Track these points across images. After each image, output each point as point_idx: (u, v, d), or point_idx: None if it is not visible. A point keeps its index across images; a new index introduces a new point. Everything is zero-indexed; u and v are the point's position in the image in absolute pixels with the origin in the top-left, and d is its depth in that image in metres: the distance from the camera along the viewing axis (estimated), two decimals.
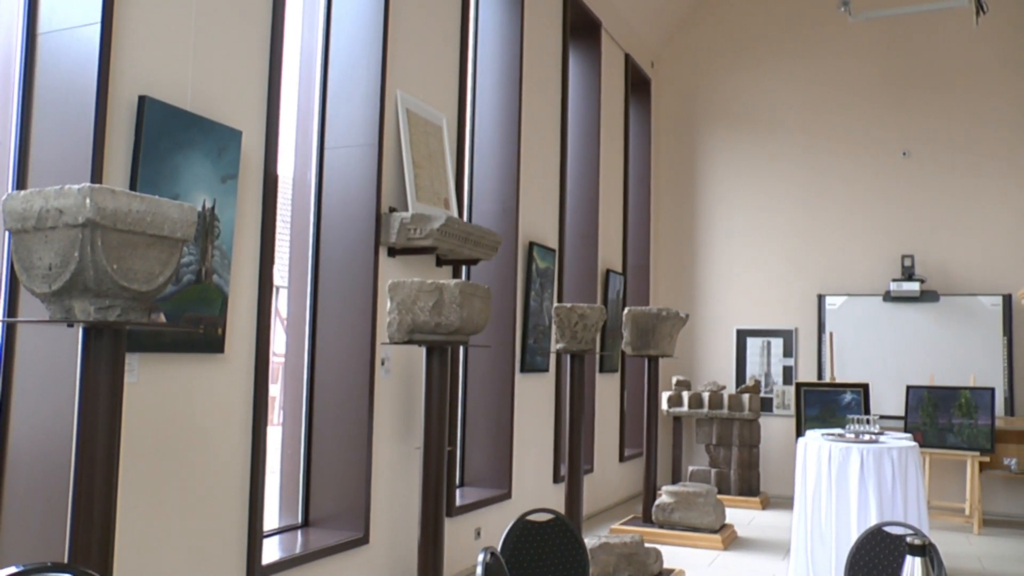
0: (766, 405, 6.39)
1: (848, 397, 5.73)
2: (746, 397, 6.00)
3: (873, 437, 3.71)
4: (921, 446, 5.42)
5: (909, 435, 3.88)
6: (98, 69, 2.12)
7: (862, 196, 6.37)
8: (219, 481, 2.51)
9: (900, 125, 6.32)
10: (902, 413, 5.88)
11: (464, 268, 4.14)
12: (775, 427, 6.40)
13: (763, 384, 6.42)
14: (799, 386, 5.86)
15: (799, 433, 5.71)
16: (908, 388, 5.56)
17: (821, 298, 6.33)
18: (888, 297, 6.05)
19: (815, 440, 3.60)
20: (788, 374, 6.38)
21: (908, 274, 6.01)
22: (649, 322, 4.68)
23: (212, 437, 2.49)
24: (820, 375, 6.27)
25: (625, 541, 3.67)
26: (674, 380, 6.36)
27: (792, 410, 6.30)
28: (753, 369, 6.49)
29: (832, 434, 3.73)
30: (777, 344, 6.44)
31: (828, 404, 5.77)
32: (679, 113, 6.98)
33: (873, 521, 3.31)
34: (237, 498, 2.57)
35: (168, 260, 1.60)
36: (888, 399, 6.02)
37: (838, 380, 6.07)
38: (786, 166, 6.57)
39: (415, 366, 3.53)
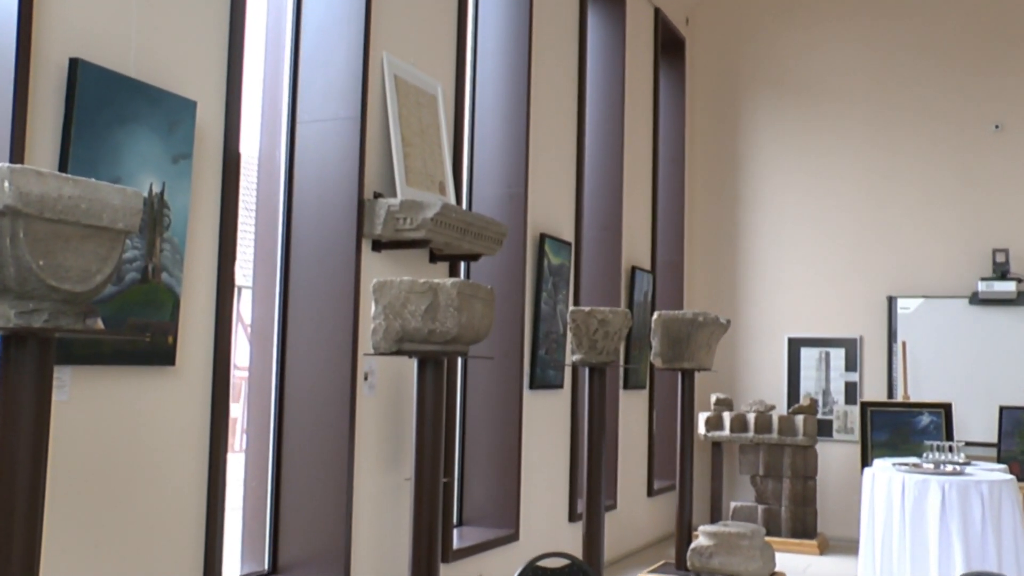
0: (824, 429, 6.36)
1: (925, 419, 5.68)
2: (800, 419, 5.96)
3: (957, 468, 3.66)
4: (1019, 479, 5.36)
5: (1003, 466, 3.84)
6: (17, 26, 2.10)
7: (943, 179, 6.32)
8: (168, 520, 2.50)
9: (990, 93, 6.27)
10: (993, 439, 5.84)
11: (463, 265, 4.14)
12: (835, 455, 6.36)
13: (821, 404, 6.40)
14: (865, 406, 5.82)
15: (865, 462, 5.69)
16: (1001, 409, 5.51)
17: (892, 300, 6.29)
18: (975, 299, 5.99)
19: (885, 471, 3.56)
20: (851, 391, 6.35)
21: (1001, 272, 5.95)
22: (683, 329, 4.66)
23: (160, 467, 2.48)
24: (891, 393, 6.24)
25: None
26: (713, 398, 6.33)
27: (856, 435, 6.27)
28: (809, 386, 6.46)
29: (906, 464, 3.70)
30: (838, 355, 6.40)
31: (901, 428, 5.73)
32: (718, 80, 6.95)
33: (958, 571, 3.27)
34: (190, 540, 2.56)
35: (107, 255, 1.58)
36: (975, 422, 5.97)
37: (913, 399, 6.03)
38: (848, 143, 6.53)
39: (405, 381, 3.52)
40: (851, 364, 6.38)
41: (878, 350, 6.34)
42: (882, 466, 4.15)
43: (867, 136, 6.50)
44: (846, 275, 6.46)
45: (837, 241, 6.51)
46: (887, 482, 3.44)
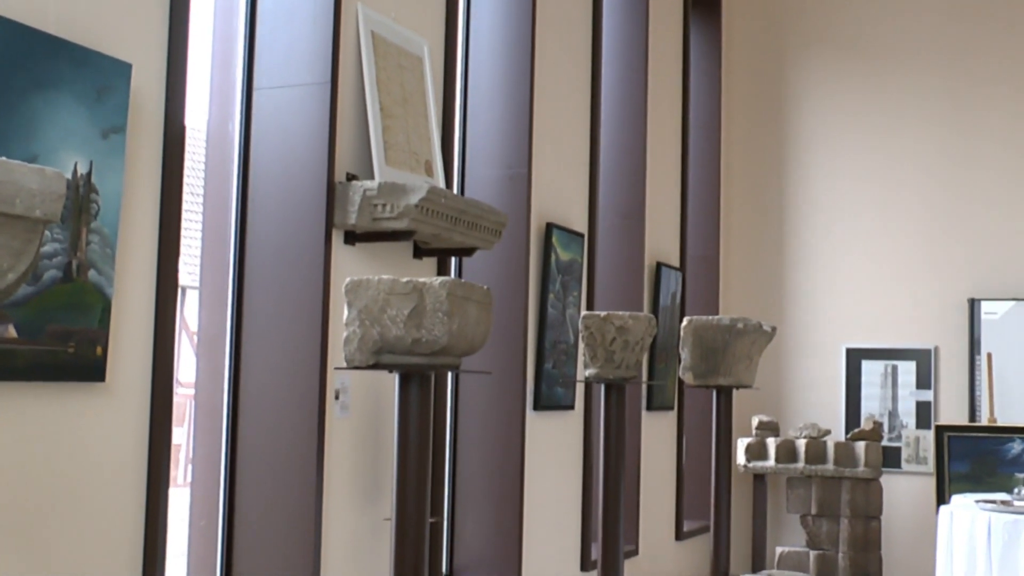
0: (891, 458, 6.35)
1: (1016, 447, 5.67)
2: (861, 446, 5.96)
3: None
4: None
5: None
6: None
7: None
8: (96, 566, 2.48)
9: None
10: None
11: (454, 261, 4.14)
12: (905, 490, 6.36)
13: (886, 428, 6.38)
14: (941, 431, 5.81)
15: (941, 499, 5.67)
16: None
17: (974, 304, 6.28)
18: None
19: (967, 510, 3.56)
20: (924, 413, 6.35)
21: None
22: (718, 338, 4.65)
23: (86, 504, 2.47)
24: (973, 415, 6.24)
25: None
26: (755, 421, 6.32)
27: (931, 466, 6.25)
28: (872, 406, 6.45)
29: (992, 501, 3.69)
30: (907, 370, 6.40)
31: (985, 457, 5.72)
32: (760, 40, 6.95)
33: None
34: None
35: (22, 249, 1.57)
36: None
37: (1000, 422, 6.02)
38: (919, 118, 6.53)
39: (384, 400, 3.52)
40: (924, 380, 6.37)
41: (957, 363, 6.33)
42: (963, 504, 4.14)
43: (945, 109, 6.48)
44: (917, 273, 6.45)
45: (906, 232, 6.50)
46: (969, 523, 3.44)
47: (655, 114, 5.86)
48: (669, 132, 6.13)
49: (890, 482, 6.34)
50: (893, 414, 6.42)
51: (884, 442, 6.31)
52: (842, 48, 6.76)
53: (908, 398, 6.41)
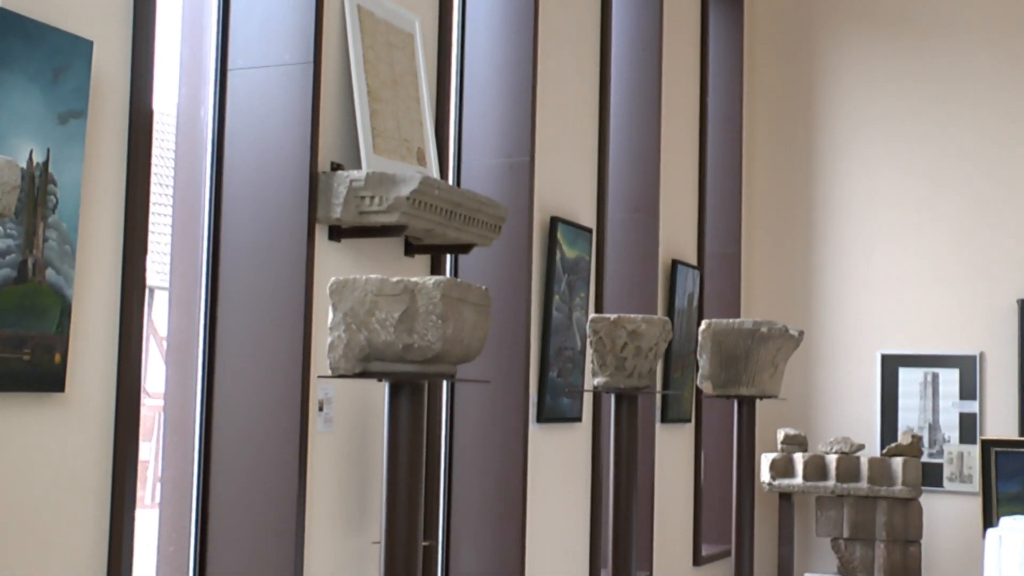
0: (932, 476, 6.34)
1: None
2: (898, 463, 5.96)
3: None
4: None
5: None
6: None
7: None
8: None
9: None
10: None
11: (449, 259, 4.14)
12: (947, 511, 6.35)
13: (926, 442, 6.38)
14: (987, 445, 5.79)
15: (989, 522, 5.68)
16: None
17: None
18: None
19: (1018, 534, 3.54)
20: (968, 426, 6.35)
21: None
22: (740, 343, 4.64)
23: (43, 525, 2.46)
24: (1023, 428, 6.22)
25: None
26: (781, 435, 6.32)
27: (976, 484, 6.25)
28: (910, 418, 6.45)
29: None
30: (949, 378, 6.39)
31: None
32: (787, 17, 6.95)
33: None
34: None
35: None
36: None
37: None
38: (964, 104, 6.52)
39: (372, 412, 3.52)
40: (968, 390, 6.36)
41: (1005, 371, 6.32)
42: (1013, 527, 4.13)
43: (993, 93, 6.47)
44: (961, 272, 6.44)
45: (949, 228, 6.49)
46: (1021, 548, 3.42)
47: (670, 97, 5.86)
48: (686, 117, 6.13)
49: (931, 502, 6.33)
50: (934, 427, 6.42)
51: (924, 458, 6.30)
52: (878, 26, 6.75)
53: (951, 409, 6.41)
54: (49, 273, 2.40)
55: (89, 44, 2.49)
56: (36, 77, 2.37)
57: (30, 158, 2.36)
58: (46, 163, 2.39)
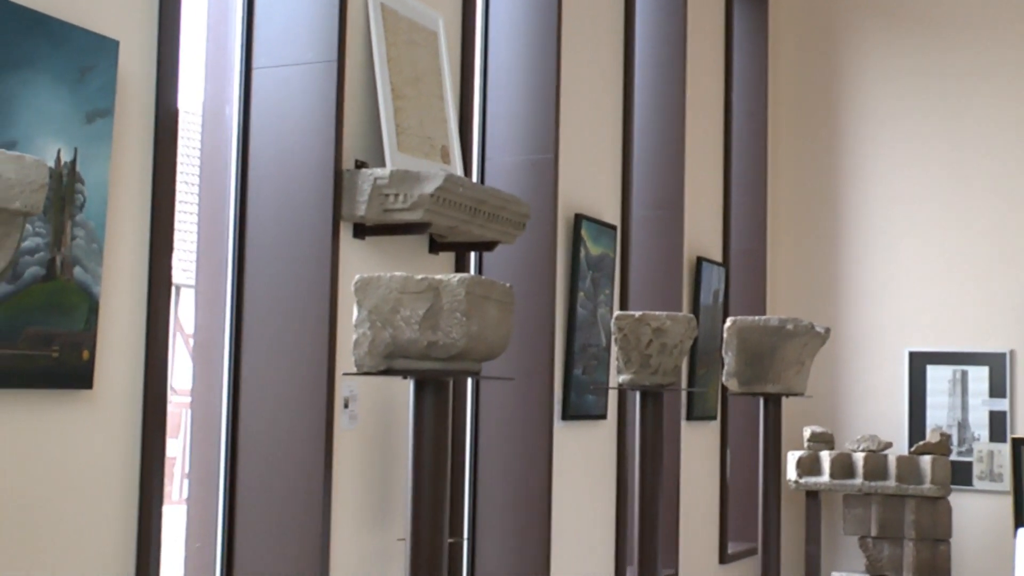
0: (961, 474, 6.30)
1: None
2: (927, 461, 5.92)
3: None
4: None
5: None
6: None
7: None
8: None
9: None
10: None
11: (473, 256, 4.14)
12: (977, 510, 6.31)
13: (955, 440, 6.33)
14: (1018, 443, 5.74)
15: (1020, 521, 5.66)
16: None
17: None
18: None
19: None
20: (998, 424, 6.30)
21: None
22: (766, 341, 4.63)
23: (71, 522, 2.48)
24: None
25: None
26: (807, 433, 6.29)
27: (1007, 483, 6.21)
28: (939, 416, 6.40)
29: None
30: (979, 376, 6.34)
31: None
32: (811, 11, 6.90)
33: None
34: None
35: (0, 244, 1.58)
36: None
37: None
38: (991, 98, 6.46)
39: (397, 410, 3.52)
40: (998, 388, 6.31)
41: None
42: None
43: (1018, 87, 6.39)
44: (990, 268, 6.39)
45: (978, 223, 6.44)
46: None
47: (695, 94, 5.84)
48: (710, 114, 6.11)
49: (960, 501, 6.28)
50: (963, 425, 6.36)
51: (953, 456, 6.25)
52: (901, 22, 6.70)
53: (980, 407, 6.35)
54: (77, 271, 2.42)
55: (115, 43, 2.51)
56: (63, 77, 2.38)
57: (58, 157, 2.37)
58: (73, 162, 2.40)
